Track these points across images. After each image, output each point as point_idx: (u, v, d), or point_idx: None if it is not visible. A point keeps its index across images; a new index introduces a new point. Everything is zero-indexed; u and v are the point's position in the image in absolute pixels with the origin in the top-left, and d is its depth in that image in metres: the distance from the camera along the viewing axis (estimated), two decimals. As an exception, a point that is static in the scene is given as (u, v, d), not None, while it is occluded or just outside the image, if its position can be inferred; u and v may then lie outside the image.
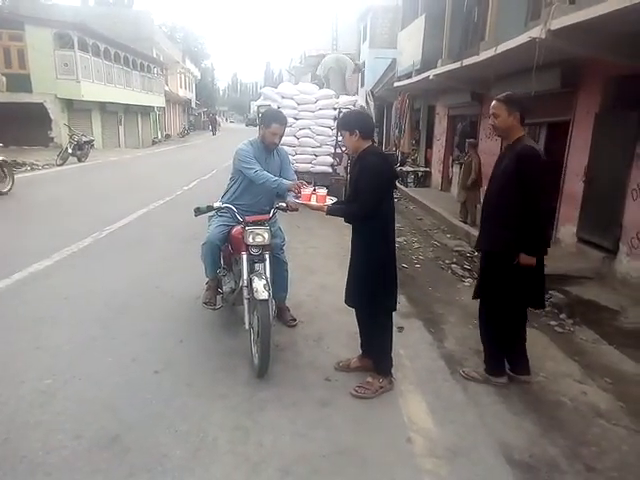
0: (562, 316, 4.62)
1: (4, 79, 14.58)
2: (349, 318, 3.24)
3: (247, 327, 3.14)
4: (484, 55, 7.44)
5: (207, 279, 3.76)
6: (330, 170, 9.24)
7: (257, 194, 3.57)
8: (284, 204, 3.45)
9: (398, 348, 3.44)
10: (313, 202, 3.03)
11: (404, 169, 13.48)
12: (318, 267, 5.46)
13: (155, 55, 30.35)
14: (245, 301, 3.16)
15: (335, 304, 4.30)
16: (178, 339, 3.52)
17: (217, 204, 3.28)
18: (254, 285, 2.95)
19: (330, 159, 9.23)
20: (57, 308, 3.98)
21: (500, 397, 2.99)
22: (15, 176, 9.74)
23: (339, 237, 6.98)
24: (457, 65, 8.62)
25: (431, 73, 10.22)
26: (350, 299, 3.05)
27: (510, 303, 3.00)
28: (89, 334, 3.52)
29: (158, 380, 2.98)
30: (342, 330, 3.76)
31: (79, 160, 15.17)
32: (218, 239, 3.48)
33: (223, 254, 3.65)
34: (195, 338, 3.56)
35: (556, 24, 5.03)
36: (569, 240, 6.75)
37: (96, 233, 6.42)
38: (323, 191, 3.08)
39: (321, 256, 5.96)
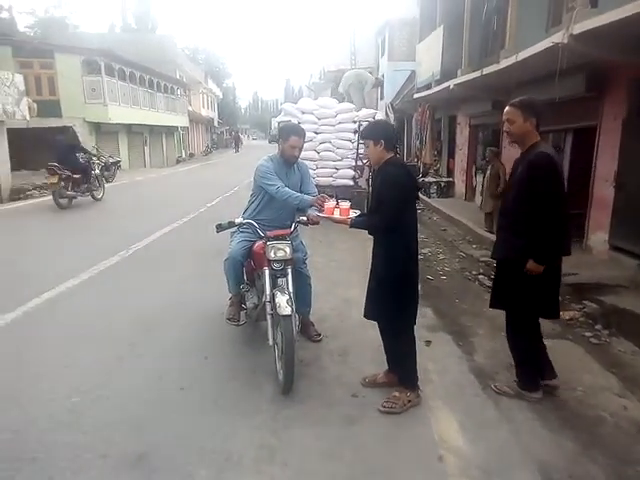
0: (597, 327, 4.45)
1: (35, 105, 15.15)
2: (374, 332, 3.19)
3: (271, 343, 3.11)
4: (505, 63, 7.36)
5: (230, 295, 3.76)
6: (352, 183, 9.22)
7: (278, 209, 3.57)
8: (305, 218, 3.43)
9: (426, 362, 3.36)
10: (336, 215, 3.02)
11: (426, 180, 13.36)
12: (341, 280, 5.41)
13: (178, 77, 31.16)
14: (268, 317, 3.13)
15: (359, 318, 4.17)
16: (203, 356, 3.51)
17: (238, 220, 3.28)
18: (277, 300, 2.93)
19: (351, 172, 9.22)
20: (85, 326, 4.03)
21: (534, 413, 2.86)
22: (45, 197, 10.97)
23: (361, 250, 6.92)
24: (477, 74, 8.55)
25: (451, 83, 10.16)
26: (370, 313, 3.00)
27: (524, 312, 2.94)
28: (116, 352, 3.55)
29: (184, 398, 2.97)
30: (367, 345, 3.69)
31: (106, 180, 15.54)
32: (240, 255, 3.48)
33: (246, 269, 3.65)
34: (220, 354, 3.55)
35: (578, 28, 4.95)
36: (601, 247, 6.53)
37: (123, 251, 6.53)
38: (346, 204, 3.05)
39: (344, 269, 5.91)
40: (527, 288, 2.84)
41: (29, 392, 3.00)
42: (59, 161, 9.99)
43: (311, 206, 3.30)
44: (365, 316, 3.04)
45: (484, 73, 8.25)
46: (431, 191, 12.99)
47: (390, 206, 2.72)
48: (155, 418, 2.75)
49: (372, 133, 2.88)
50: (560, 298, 5.11)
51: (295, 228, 3.42)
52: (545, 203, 2.67)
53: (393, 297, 2.82)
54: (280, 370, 3.06)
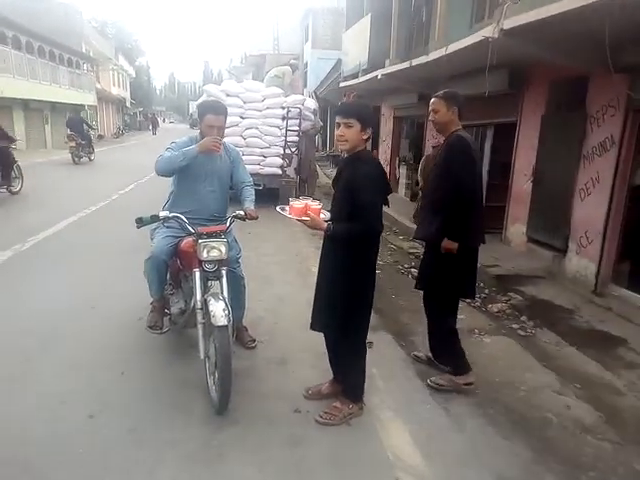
0: (523, 318, 4.56)
1: None
2: (313, 335, 2.88)
3: (202, 356, 2.70)
4: (434, 55, 7.35)
5: (152, 299, 3.26)
6: (280, 172, 8.85)
7: (203, 198, 3.14)
8: (242, 212, 3.04)
9: (370, 367, 3.11)
10: (311, 215, 2.47)
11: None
12: (274, 277, 5.06)
13: (84, 50, 28.50)
14: (199, 326, 2.71)
15: (296, 319, 3.94)
16: (118, 371, 3.00)
17: (163, 213, 2.81)
18: (210, 308, 2.52)
19: (279, 160, 8.85)
20: (-34, 339, 3.33)
21: (485, 418, 2.75)
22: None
23: (292, 242, 6.64)
24: (406, 65, 8.51)
25: (379, 73, 10.08)
26: (319, 324, 2.68)
27: (443, 292, 3.05)
28: (6, 371, 2.93)
29: (93, 427, 2.47)
30: (307, 350, 3.39)
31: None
32: (165, 253, 3.00)
33: (170, 270, 3.18)
34: (139, 369, 3.06)
35: (508, 24, 4.96)
36: (519, 240, 6.80)
37: (18, 245, 5.65)
38: (316, 204, 2.53)
39: (276, 264, 5.56)
40: (445, 268, 2.96)
41: None
42: None
43: (201, 152, 2.93)
44: (312, 327, 2.72)
45: (413, 64, 8.22)
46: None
47: (372, 210, 2.39)
48: (56, 457, 2.24)
49: (363, 115, 2.44)
50: (487, 290, 5.33)
51: (231, 224, 3.01)
52: (458, 182, 2.81)
53: (348, 309, 2.52)
54: (213, 386, 2.67)
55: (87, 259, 5.37)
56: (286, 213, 2.58)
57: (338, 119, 2.46)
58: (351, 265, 2.46)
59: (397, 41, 10.62)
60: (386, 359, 3.39)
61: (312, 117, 9.40)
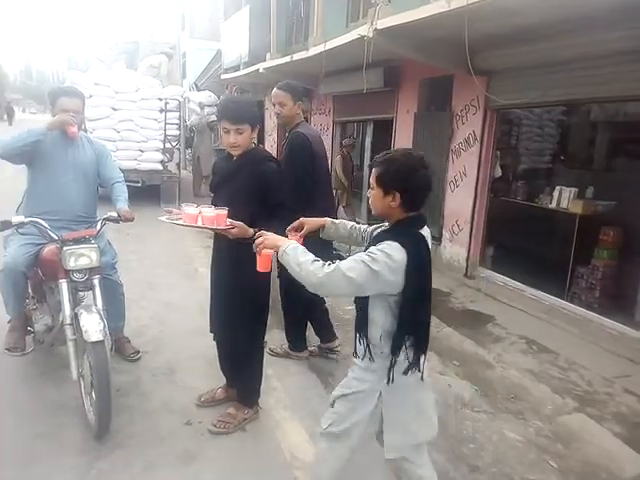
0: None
1: None
2: (203, 340, 2.75)
3: (75, 377, 2.40)
4: (313, 51, 7.46)
5: (9, 317, 2.83)
6: (160, 167, 8.34)
7: (65, 195, 2.80)
8: (115, 214, 2.76)
9: (266, 368, 3.07)
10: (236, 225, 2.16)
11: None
12: (158, 281, 4.75)
13: None
14: (70, 343, 2.41)
15: (185, 325, 3.74)
16: (-29, 405, 2.57)
17: (17, 219, 2.43)
18: (82, 322, 2.25)
19: (159, 155, 8.33)
20: None
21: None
22: None
23: (177, 242, 6.30)
24: (287, 59, 8.54)
25: (260, 66, 9.98)
26: (217, 327, 2.56)
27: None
28: None
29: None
30: (197, 357, 3.22)
31: None
32: (23, 264, 2.60)
33: (31, 282, 2.78)
34: (1, 398, 2.64)
35: (381, 24, 5.20)
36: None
37: None
38: (222, 211, 2.13)
39: (160, 267, 5.22)
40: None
41: None
42: None
43: (51, 130, 2.65)
44: (212, 331, 2.58)
45: (294, 59, 8.27)
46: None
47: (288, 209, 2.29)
48: None
49: (252, 119, 2.28)
50: None
51: (102, 226, 2.72)
52: (299, 170, 2.89)
53: (247, 313, 2.40)
54: (90, 408, 2.40)
55: None
56: (178, 222, 2.16)
57: (226, 124, 2.23)
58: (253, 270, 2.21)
59: (277, 35, 10.59)
60: (281, 357, 3.35)
61: (198, 110, 9.01)
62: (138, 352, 3.18)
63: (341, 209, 8.34)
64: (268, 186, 2.27)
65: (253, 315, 2.44)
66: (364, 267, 1.50)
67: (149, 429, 2.48)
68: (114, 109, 7.93)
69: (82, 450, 2.28)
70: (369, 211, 8.25)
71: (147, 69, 9.85)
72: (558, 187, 4.92)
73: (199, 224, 2.12)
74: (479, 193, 5.51)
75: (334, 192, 7.93)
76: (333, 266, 1.53)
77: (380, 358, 1.66)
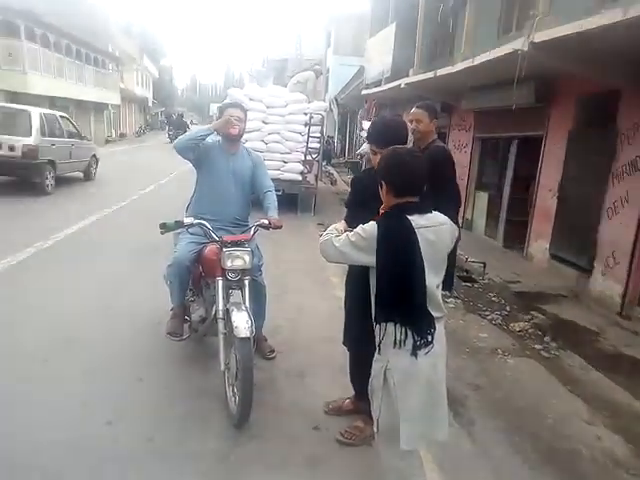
0: (546, 339, 4.43)
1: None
2: (333, 348, 2.83)
3: (222, 368, 2.65)
4: (460, 66, 7.28)
5: (172, 305, 3.23)
6: (299, 178, 8.82)
7: (225, 200, 3.13)
8: (266, 221, 3.00)
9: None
10: None
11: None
12: (293, 285, 5.01)
13: (110, 50, 28.95)
14: (220, 336, 2.67)
15: (316, 331, 3.89)
16: (136, 377, 2.97)
17: (188, 220, 2.77)
18: (233, 318, 2.47)
19: (300, 166, 8.82)
20: (-13, 337, 3.33)
21: (512, 447, 2.65)
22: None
23: (310, 249, 6.57)
24: (430, 75, 8.45)
25: (402, 82, 10.03)
26: (351, 341, 2.62)
27: None
28: (25, 372, 2.92)
29: (112, 434, 2.44)
30: (327, 363, 3.33)
31: (23, 158, 14.00)
32: (188, 260, 2.96)
33: (192, 276, 3.14)
34: (157, 376, 3.02)
35: (539, 37, 4.88)
36: (541, 256, 6.65)
37: (40, 242, 5.69)
38: None
39: (295, 272, 5.51)
40: None
41: None
42: None
43: (216, 131, 3.07)
44: (344, 343, 2.67)
45: (437, 74, 8.15)
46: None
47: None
48: (75, 464, 2.20)
49: (390, 142, 2.19)
50: (508, 308, 5.21)
51: (255, 232, 2.97)
52: (444, 185, 2.89)
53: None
54: (232, 398, 2.62)
55: (105, 258, 5.38)
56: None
57: (373, 147, 2.38)
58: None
59: (421, 51, 10.56)
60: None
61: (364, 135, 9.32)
62: (273, 351, 3.39)
63: None
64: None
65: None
66: (345, 238, 1.92)
67: (281, 427, 2.62)
68: (264, 122, 8.62)
69: (223, 436, 2.50)
70: (506, 232, 7.74)
71: (295, 85, 10.52)
72: None
73: None
74: (645, 223, 4.85)
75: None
76: (330, 236, 1.99)
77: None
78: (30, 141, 8.40)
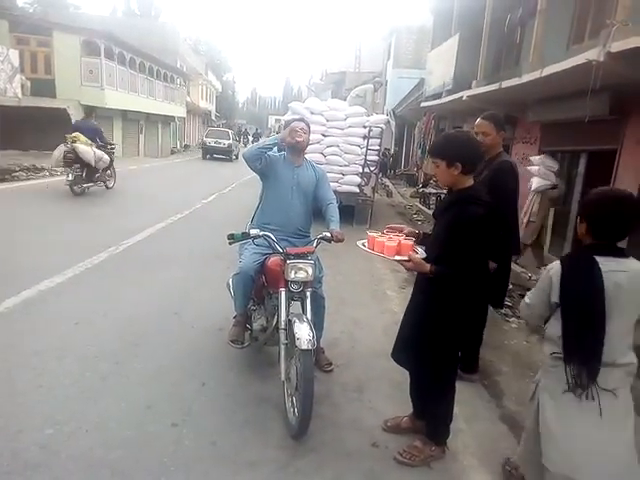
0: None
1: (29, 83, 14.54)
2: (390, 364, 2.77)
3: (283, 378, 2.69)
4: (527, 77, 7.04)
5: (235, 313, 3.32)
6: (357, 190, 8.85)
7: (289, 211, 3.21)
8: (328, 234, 3.03)
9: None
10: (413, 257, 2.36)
11: (426, 191, 13.11)
12: (349, 297, 5.01)
13: (179, 66, 30.53)
14: (282, 346, 2.71)
15: (372, 345, 3.86)
16: (200, 382, 3.08)
17: (254, 231, 2.85)
18: (295, 330, 2.51)
19: (358, 179, 8.85)
20: (66, 336, 3.57)
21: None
22: (34, 181, 10.98)
23: (367, 262, 6.55)
24: (495, 87, 8.23)
25: (464, 94, 9.83)
26: (403, 359, 2.59)
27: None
28: (99, 371, 3.10)
29: (177, 436, 2.53)
30: (383, 378, 3.30)
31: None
32: (253, 270, 3.05)
33: (255, 286, 3.21)
34: (219, 381, 3.12)
35: (617, 46, 4.64)
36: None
37: (112, 247, 6.05)
38: (409, 242, 2.42)
39: (350, 284, 5.51)
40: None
41: (-7, 418, 2.52)
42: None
43: (284, 143, 3.18)
44: (394, 357, 2.64)
45: (503, 86, 7.93)
46: (430, 202, 12.71)
47: (472, 261, 2.21)
48: (142, 463, 2.31)
49: (445, 151, 2.31)
50: None
51: (317, 245, 3.01)
52: (506, 201, 2.98)
53: (437, 350, 2.37)
54: (290, 408, 2.65)
55: (171, 264, 5.64)
56: (367, 248, 2.52)
57: (439, 161, 2.35)
58: (445, 309, 2.31)
59: (485, 62, 10.32)
60: (468, 397, 3.19)
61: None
62: (331, 364, 3.40)
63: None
64: (453, 230, 2.24)
65: (445, 350, 2.39)
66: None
67: (338, 441, 2.61)
68: (324, 135, 8.72)
69: (281, 446, 2.53)
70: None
71: (354, 99, 10.61)
72: None
73: (367, 249, 2.50)
74: None
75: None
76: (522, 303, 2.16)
77: None
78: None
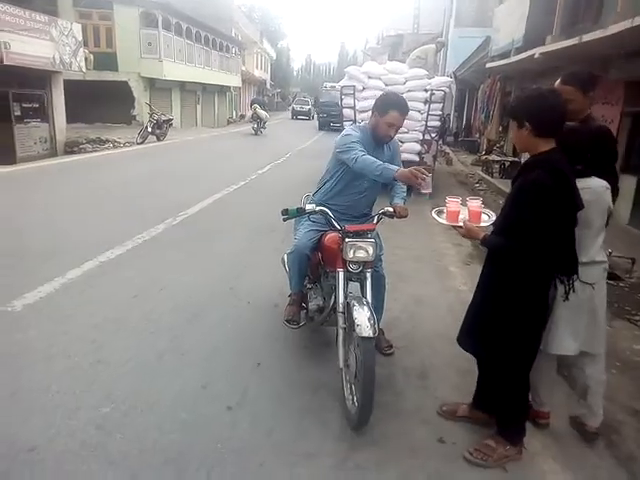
0: None
1: (92, 57, 14.90)
2: (454, 347, 2.51)
3: (341, 365, 2.51)
4: (615, 28, 6.22)
5: (290, 292, 3.16)
6: (417, 158, 8.38)
7: (357, 195, 2.93)
8: (391, 209, 2.77)
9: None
10: (463, 221, 2.24)
11: (490, 158, 12.34)
12: (409, 273, 4.73)
13: (234, 35, 30.35)
14: (340, 330, 2.52)
15: (436, 326, 3.60)
16: (255, 361, 2.97)
17: (310, 207, 2.63)
18: (355, 315, 2.30)
19: (418, 146, 8.37)
20: (124, 309, 3.58)
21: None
22: (99, 153, 11.82)
23: (428, 236, 6.22)
24: (574, 41, 7.39)
25: (537, 51, 8.96)
26: (471, 344, 2.34)
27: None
28: (156, 347, 3.06)
29: (232, 420, 2.43)
30: (450, 365, 3.04)
31: (158, 139, 15.32)
32: (309, 248, 2.85)
33: (310, 263, 3.03)
34: (275, 362, 2.99)
35: None
36: None
37: (170, 219, 6.09)
38: (476, 202, 2.27)
39: (411, 259, 5.22)
40: None
41: (47, 397, 2.52)
42: None
43: (395, 180, 2.59)
44: (460, 343, 2.39)
45: (583, 40, 7.10)
46: (493, 170, 11.94)
47: (534, 232, 1.93)
48: (196, 448, 2.23)
49: (515, 110, 2.08)
50: None
51: (379, 221, 2.75)
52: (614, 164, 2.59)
53: (508, 330, 2.12)
54: (349, 397, 2.48)
55: (226, 237, 5.59)
56: (442, 219, 2.36)
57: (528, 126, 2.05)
58: (506, 288, 2.10)
59: (562, 15, 9.32)
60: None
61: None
62: (391, 346, 3.18)
63: None
64: (513, 198, 2.08)
65: (516, 337, 2.12)
66: None
67: (402, 434, 2.41)
68: (382, 101, 8.28)
69: (340, 437, 2.36)
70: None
71: (414, 61, 9.95)
72: None
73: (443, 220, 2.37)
74: None
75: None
76: None
77: None
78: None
